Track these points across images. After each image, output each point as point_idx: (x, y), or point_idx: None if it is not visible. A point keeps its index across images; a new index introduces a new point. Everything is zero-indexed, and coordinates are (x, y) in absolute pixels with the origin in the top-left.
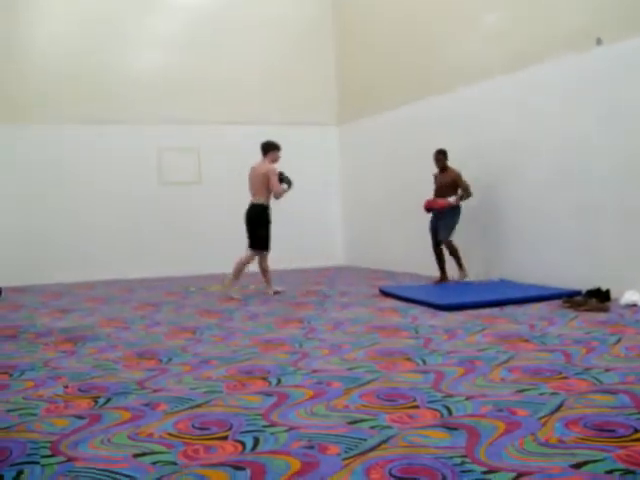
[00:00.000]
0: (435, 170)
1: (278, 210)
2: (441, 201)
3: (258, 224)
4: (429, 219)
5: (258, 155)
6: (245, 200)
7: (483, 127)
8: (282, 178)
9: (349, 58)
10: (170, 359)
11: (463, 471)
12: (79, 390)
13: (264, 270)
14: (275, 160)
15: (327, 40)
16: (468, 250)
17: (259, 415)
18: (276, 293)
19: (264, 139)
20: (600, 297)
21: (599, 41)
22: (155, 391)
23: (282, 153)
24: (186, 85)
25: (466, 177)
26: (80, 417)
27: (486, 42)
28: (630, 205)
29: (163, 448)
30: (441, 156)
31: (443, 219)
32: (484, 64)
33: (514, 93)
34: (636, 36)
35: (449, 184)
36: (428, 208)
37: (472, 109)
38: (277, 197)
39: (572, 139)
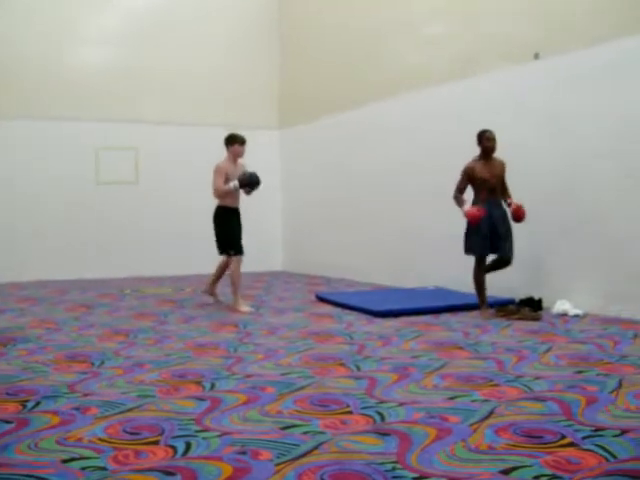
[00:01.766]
0: (469, 156)
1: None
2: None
3: (215, 226)
4: (470, 230)
5: (198, 156)
6: (182, 201)
7: (421, 135)
8: (244, 179)
9: (292, 63)
10: (102, 362)
11: (394, 477)
12: (6, 393)
13: (231, 279)
14: (237, 155)
15: (270, 44)
16: (406, 259)
17: (192, 420)
18: (243, 312)
19: (204, 140)
20: (532, 306)
21: (537, 55)
22: (86, 395)
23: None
24: (126, 83)
25: (404, 186)
26: (7, 421)
27: (426, 50)
28: (563, 215)
29: (92, 453)
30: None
31: (508, 230)
32: (424, 72)
33: (452, 102)
34: (572, 51)
35: (501, 177)
36: (518, 219)
37: (411, 117)
38: (215, 196)
39: (508, 149)
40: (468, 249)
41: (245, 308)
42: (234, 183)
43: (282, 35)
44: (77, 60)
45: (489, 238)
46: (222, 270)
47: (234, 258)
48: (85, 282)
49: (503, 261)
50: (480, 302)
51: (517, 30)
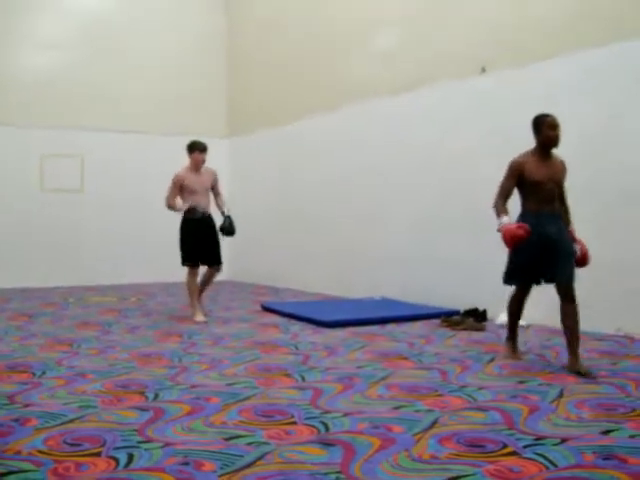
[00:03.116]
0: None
1: (160, 222)
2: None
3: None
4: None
5: (144, 164)
6: (127, 209)
7: (368, 146)
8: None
9: (242, 72)
10: (44, 372)
11: None
12: None
13: (187, 289)
14: (197, 163)
15: (220, 53)
16: (352, 270)
17: (134, 431)
18: (196, 322)
19: (151, 148)
20: (477, 317)
21: (483, 70)
22: (26, 406)
23: (174, 160)
24: (72, 90)
25: (351, 197)
26: None
27: (376, 63)
28: None
29: (31, 466)
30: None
31: (568, 252)
32: (372, 85)
33: (400, 115)
34: (519, 66)
35: (560, 182)
36: (583, 265)
37: (359, 128)
38: (166, 206)
39: (454, 160)
40: (507, 276)
41: (198, 318)
42: (180, 207)
43: (232, 44)
44: (22, 65)
45: (538, 262)
46: (202, 282)
47: (189, 269)
48: (28, 290)
49: (562, 291)
50: (508, 336)
51: (465, 45)
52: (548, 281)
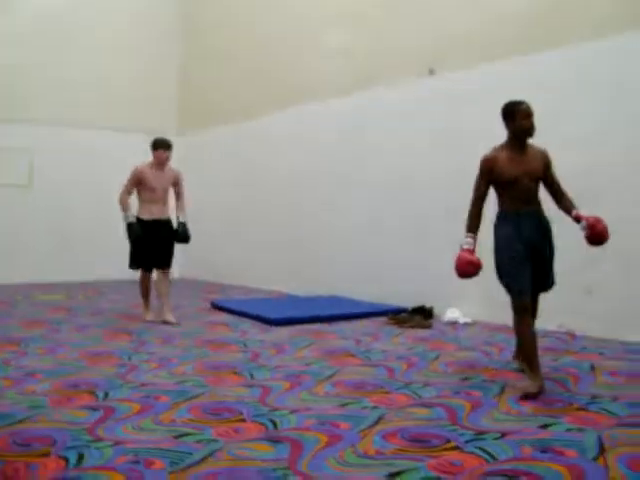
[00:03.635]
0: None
1: (110, 219)
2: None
3: None
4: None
5: (94, 160)
6: (77, 205)
7: (318, 144)
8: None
9: (194, 68)
10: None
11: None
12: None
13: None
14: (160, 161)
15: (172, 49)
16: (301, 267)
17: (84, 430)
18: (148, 321)
19: (102, 143)
20: (424, 314)
21: (432, 71)
22: None
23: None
24: (20, 83)
25: (302, 195)
26: None
27: (328, 61)
28: (455, 226)
29: None
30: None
31: (551, 253)
32: (324, 83)
33: (351, 113)
34: (467, 67)
35: (538, 175)
36: (599, 238)
37: (309, 126)
38: (118, 202)
39: (405, 161)
40: (505, 284)
41: (147, 317)
42: (126, 216)
43: (184, 40)
44: None
45: (528, 266)
46: (158, 288)
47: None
48: None
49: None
50: (528, 368)
51: (415, 45)
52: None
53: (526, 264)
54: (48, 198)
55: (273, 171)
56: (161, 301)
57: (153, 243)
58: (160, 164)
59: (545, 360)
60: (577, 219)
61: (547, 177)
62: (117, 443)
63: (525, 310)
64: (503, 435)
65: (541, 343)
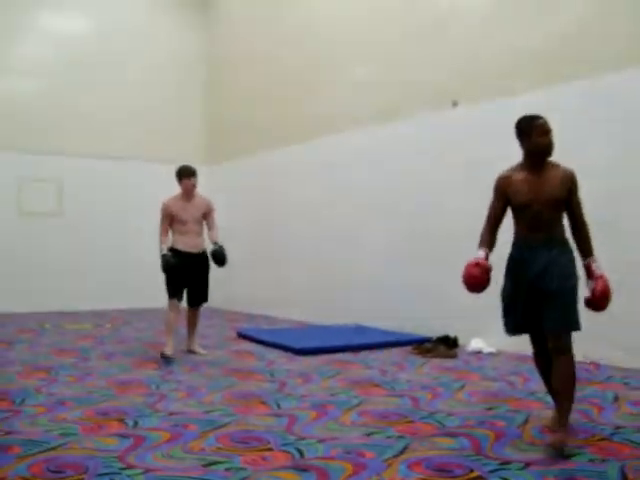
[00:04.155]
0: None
1: (137, 248)
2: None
3: None
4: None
5: (123, 190)
6: (106, 234)
7: (341, 175)
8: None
9: (219, 101)
10: (23, 400)
11: None
12: None
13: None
14: (186, 190)
15: (199, 82)
16: (326, 296)
17: (115, 457)
18: (163, 356)
19: (131, 174)
20: (448, 344)
21: (455, 103)
22: (7, 433)
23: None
24: (51, 115)
25: (327, 225)
26: None
27: (350, 94)
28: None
29: None
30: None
31: (561, 289)
32: (347, 115)
33: (373, 145)
34: (488, 100)
35: (556, 200)
36: (599, 305)
37: (333, 158)
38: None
39: (427, 190)
40: (504, 324)
41: (167, 351)
42: (160, 249)
43: (210, 73)
44: (2, 89)
45: (526, 302)
46: (189, 321)
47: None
48: (4, 316)
49: (550, 341)
50: (558, 420)
51: (437, 78)
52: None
53: (519, 301)
54: (77, 228)
55: (295, 202)
56: (190, 332)
57: (187, 275)
58: (188, 193)
59: None
60: (587, 269)
61: (569, 203)
62: (147, 471)
63: (564, 352)
64: (527, 465)
65: None
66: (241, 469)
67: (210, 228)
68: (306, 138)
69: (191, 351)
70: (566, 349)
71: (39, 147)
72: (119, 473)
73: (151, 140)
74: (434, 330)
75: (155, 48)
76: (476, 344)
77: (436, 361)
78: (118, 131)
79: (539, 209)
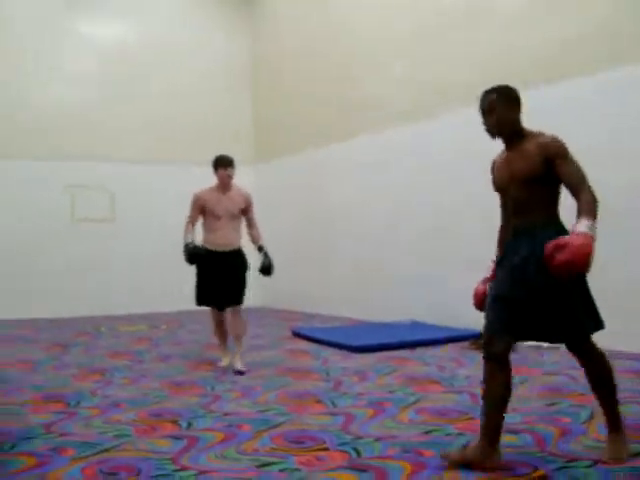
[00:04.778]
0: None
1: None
2: (572, 242)
3: None
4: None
5: (174, 194)
6: (158, 239)
7: (388, 170)
8: (191, 250)
9: (266, 100)
10: (78, 402)
11: None
12: None
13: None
14: (222, 181)
15: (244, 82)
16: (381, 293)
17: (169, 459)
18: (222, 368)
19: (180, 177)
20: None
21: None
22: (62, 435)
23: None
24: (102, 122)
25: (376, 220)
26: None
27: (393, 90)
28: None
29: None
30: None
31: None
32: (390, 111)
33: (415, 140)
34: (532, 89)
35: (527, 176)
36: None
37: (379, 152)
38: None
39: (465, 188)
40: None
41: (224, 361)
42: (187, 239)
43: (256, 73)
44: (53, 100)
45: (505, 309)
46: (228, 327)
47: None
48: (60, 320)
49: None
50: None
51: (474, 73)
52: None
53: (497, 301)
54: (129, 232)
55: (344, 198)
56: (234, 344)
57: (220, 276)
58: (224, 185)
59: (635, 384)
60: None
61: (555, 175)
62: (201, 472)
63: (490, 359)
64: (595, 463)
65: (633, 366)
66: (296, 470)
67: (251, 226)
68: (350, 135)
69: (234, 371)
70: (588, 347)
71: (91, 154)
72: (172, 475)
73: (199, 143)
74: None
75: (200, 50)
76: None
77: None
78: (166, 135)
79: (515, 191)
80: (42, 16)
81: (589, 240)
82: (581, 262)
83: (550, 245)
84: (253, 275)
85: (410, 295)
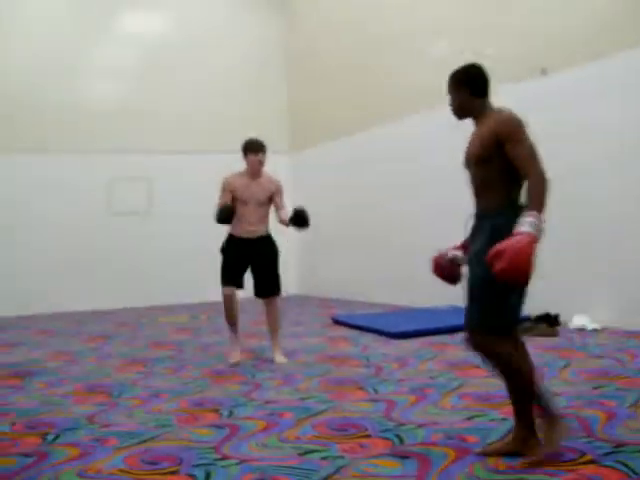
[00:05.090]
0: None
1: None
2: (509, 248)
3: None
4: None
5: (210, 184)
6: (197, 230)
7: (429, 155)
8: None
9: (302, 87)
10: (120, 393)
11: None
12: (26, 427)
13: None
14: (252, 167)
15: (279, 71)
16: (420, 278)
17: (211, 448)
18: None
19: (217, 167)
20: (549, 322)
21: (544, 71)
22: (105, 426)
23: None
24: (137, 114)
25: (415, 205)
26: (27, 455)
27: (430, 72)
28: (579, 229)
29: None
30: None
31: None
32: (428, 94)
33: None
34: (576, 66)
35: (475, 152)
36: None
37: (418, 136)
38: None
39: None
40: None
41: (231, 358)
42: (219, 203)
43: (290, 61)
44: (88, 93)
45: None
46: (267, 320)
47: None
48: (101, 313)
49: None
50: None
51: (520, 47)
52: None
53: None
54: (167, 223)
55: (382, 184)
56: (271, 337)
57: (246, 262)
58: (254, 171)
59: None
60: None
61: (505, 155)
62: (243, 461)
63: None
64: None
65: None
66: (338, 457)
67: (280, 208)
68: (389, 119)
69: (277, 362)
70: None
71: (128, 146)
72: (214, 464)
73: (235, 133)
74: (533, 308)
75: (233, 39)
76: (579, 321)
77: (537, 340)
78: (201, 125)
79: (472, 173)
80: (82, 11)
81: (527, 244)
82: (518, 271)
83: (491, 252)
84: (292, 263)
85: None
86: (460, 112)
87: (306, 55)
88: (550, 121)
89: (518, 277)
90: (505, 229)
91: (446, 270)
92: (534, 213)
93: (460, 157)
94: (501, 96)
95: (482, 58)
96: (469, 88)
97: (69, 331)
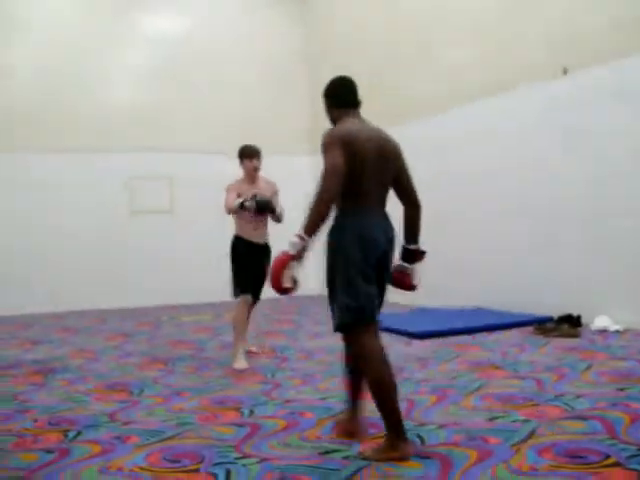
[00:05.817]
0: None
1: None
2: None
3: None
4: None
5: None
6: (215, 227)
7: (450, 155)
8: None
9: (323, 87)
10: (142, 391)
11: None
12: (48, 423)
13: (234, 325)
14: (248, 172)
15: (301, 70)
16: (442, 279)
17: (231, 447)
18: (236, 369)
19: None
20: (571, 323)
21: (565, 70)
22: (126, 423)
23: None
24: (159, 114)
25: (431, 207)
26: (49, 451)
27: (453, 75)
28: (598, 230)
29: None
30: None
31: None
32: (451, 95)
33: (484, 120)
34: (597, 65)
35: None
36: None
37: (441, 137)
38: (228, 213)
39: (536, 166)
40: None
41: (239, 364)
42: (239, 201)
43: (311, 61)
44: (112, 94)
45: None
46: (236, 323)
47: (236, 299)
48: (122, 311)
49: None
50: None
51: (543, 48)
52: None
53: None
54: (188, 223)
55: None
56: (245, 338)
57: (254, 266)
58: (250, 177)
59: None
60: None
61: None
62: (263, 460)
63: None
64: None
65: None
66: (359, 457)
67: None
68: (410, 118)
69: (251, 352)
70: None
71: (148, 145)
72: (235, 462)
73: (255, 134)
74: (555, 310)
75: (254, 39)
76: (601, 322)
77: (558, 341)
78: (221, 125)
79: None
80: (99, 11)
81: (280, 261)
82: (273, 284)
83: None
84: (313, 262)
85: (479, 281)
86: (330, 120)
87: (327, 54)
88: (565, 122)
89: (276, 290)
90: (331, 234)
91: (396, 280)
92: (301, 230)
93: (484, 155)
94: (517, 94)
95: (503, 59)
96: (329, 100)
97: (92, 329)
